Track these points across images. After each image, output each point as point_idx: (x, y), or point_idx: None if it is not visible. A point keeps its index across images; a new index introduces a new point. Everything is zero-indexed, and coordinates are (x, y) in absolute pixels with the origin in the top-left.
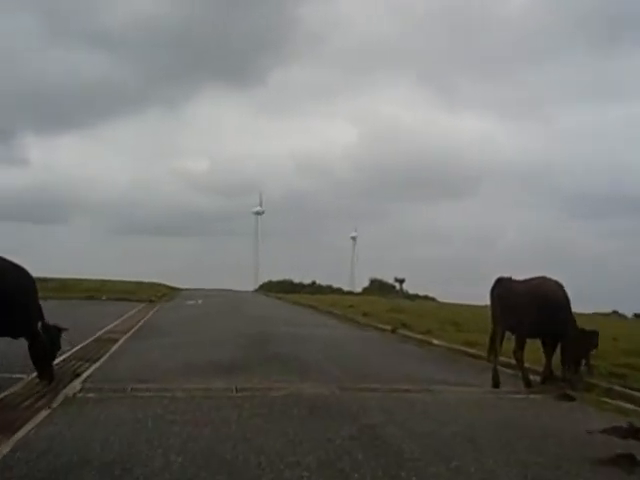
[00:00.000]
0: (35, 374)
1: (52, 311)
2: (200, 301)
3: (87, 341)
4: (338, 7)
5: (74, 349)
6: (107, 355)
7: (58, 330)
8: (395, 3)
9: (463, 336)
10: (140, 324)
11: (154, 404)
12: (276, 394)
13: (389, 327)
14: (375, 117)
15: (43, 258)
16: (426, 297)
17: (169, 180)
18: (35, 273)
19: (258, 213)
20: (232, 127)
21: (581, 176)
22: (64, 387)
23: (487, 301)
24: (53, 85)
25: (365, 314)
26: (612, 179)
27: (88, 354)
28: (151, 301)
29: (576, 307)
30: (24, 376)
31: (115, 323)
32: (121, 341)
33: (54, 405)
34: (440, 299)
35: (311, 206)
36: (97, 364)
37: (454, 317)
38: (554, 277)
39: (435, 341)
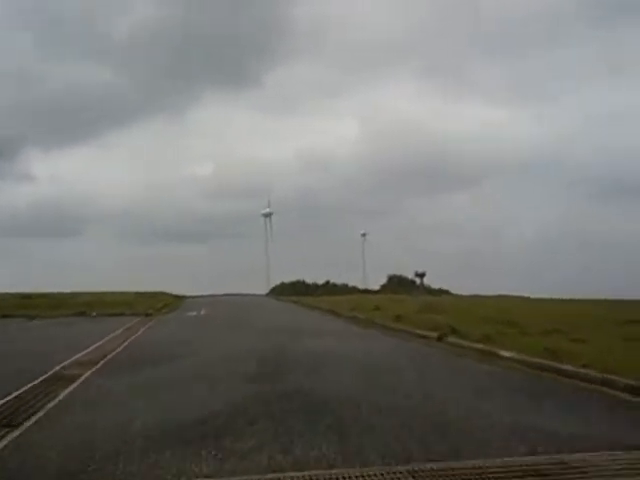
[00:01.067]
0: None
1: (18, 335)
2: (203, 311)
3: (35, 382)
4: (334, 3)
5: (3, 400)
6: (45, 410)
7: None
8: None
9: (534, 342)
10: (119, 349)
11: None
12: None
13: (433, 334)
14: (379, 112)
15: (53, 273)
16: (440, 290)
17: (177, 186)
18: (44, 288)
19: (267, 215)
20: (236, 129)
21: (594, 159)
22: None
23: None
24: (55, 98)
25: (397, 318)
26: (626, 161)
27: (18, 410)
28: (147, 315)
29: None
30: None
31: (90, 348)
32: (81, 379)
33: None
34: (454, 292)
35: (319, 205)
36: (18, 431)
37: (504, 315)
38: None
39: (504, 353)
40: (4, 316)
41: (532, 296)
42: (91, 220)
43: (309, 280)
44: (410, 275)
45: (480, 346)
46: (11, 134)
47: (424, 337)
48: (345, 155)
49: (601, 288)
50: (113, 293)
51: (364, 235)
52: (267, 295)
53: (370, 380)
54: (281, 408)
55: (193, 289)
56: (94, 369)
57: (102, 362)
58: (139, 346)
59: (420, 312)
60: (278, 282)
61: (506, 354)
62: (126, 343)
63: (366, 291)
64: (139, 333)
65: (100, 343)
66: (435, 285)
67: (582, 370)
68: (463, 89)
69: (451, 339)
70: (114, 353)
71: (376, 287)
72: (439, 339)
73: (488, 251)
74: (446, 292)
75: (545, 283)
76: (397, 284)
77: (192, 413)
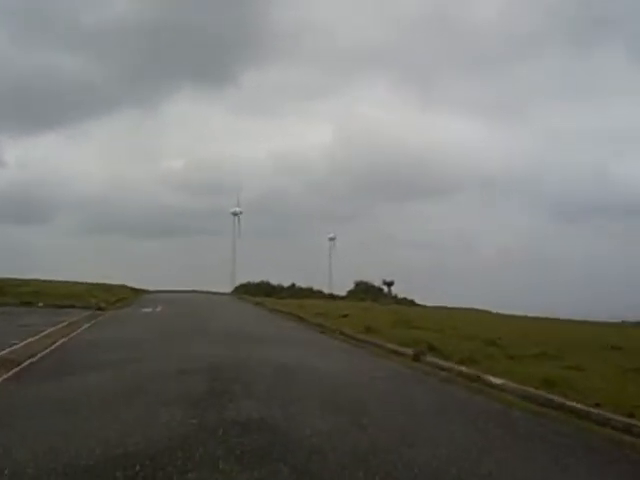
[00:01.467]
0: None
1: None
2: (159, 308)
3: None
4: (313, 8)
5: None
6: None
7: None
8: (373, 3)
9: (525, 367)
10: (51, 348)
11: None
12: None
13: (409, 350)
14: (353, 118)
15: (13, 259)
16: (405, 299)
17: (147, 180)
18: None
19: (235, 213)
20: (209, 127)
21: (564, 178)
22: None
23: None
24: (28, 86)
25: (368, 329)
26: (596, 182)
27: None
28: (99, 308)
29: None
30: None
31: (18, 346)
32: None
33: None
34: (418, 302)
35: (289, 207)
36: None
37: (481, 331)
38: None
39: (494, 380)
40: None
41: (495, 311)
42: (58, 208)
43: (274, 281)
44: (377, 282)
45: (464, 369)
46: None
47: (398, 354)
48: (317, 159)
49: (560, 307)
50: (68, 283)
51: (332, 239)
52: (231, 294)
53: (335, 409)
54: (227, 448)
55: (156, 284)
56: (9, 374)
57: (23, 365)
58: (74, 347)
59: (393, 325)
60: (244, 281)
61: (497, 381)
62: (61, 342)
63: (332, 296)
64: (80, 330)
65: (32, 340)
66: (399, 294)
67: (598, 411)
68: (439, 100)
69: (430, 358)
70: (43, 354)
71: (342, 293)
72: (416, 358)
73: (452, 263)
74: (411, 302)
75: (506, 299)
76: (364, 291)
77: (107, 451)
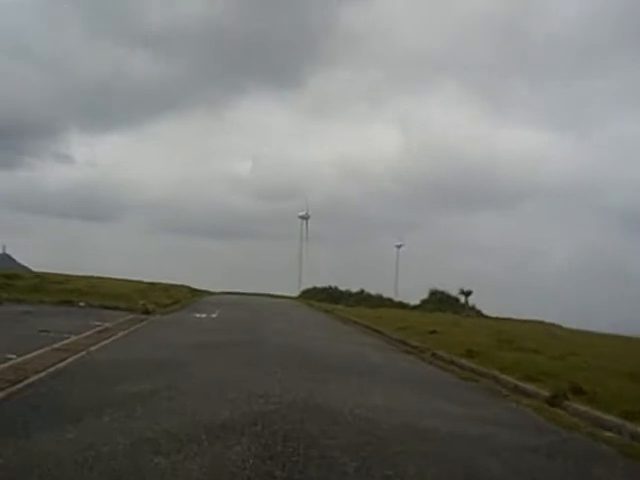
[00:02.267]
0: None
1: None
2: (215, 314)
3: None
4: (383, 9)
5: None
6: None
7: None
8: (444, 6)
9: None
10: (53, 369)
11: None
12: None
13: (540, 390)
14: (421, 125)
15: (81, 255)
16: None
17: (213, 181)
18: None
19: (304, 217)
20: (276, 130)
21: (633, 189)
22: None
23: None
24: (99, 84)
25: (469, 352)
26: None
27: None
28: (146, 312)
29: None
30: None
31: (13, 362)
32: None
33: None
34: (485, 313)
35: (355, 213)
36: None
37: (613, 361)
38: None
39: None
40: None
41: (565, 325)
42: (125, 208)
43: (342, 287)
44: (453, 292)
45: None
46: (54, 115)
47: (521, 392)
48: (382, 165)
49: (630, 324)
50: (121, 281)
51: (399, 247)
52: (297, 298)
53: None
54: None
55: (221, 285)
56: None
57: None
58: (83, 369)
59: (493, 343)
60: (310, 286)
61: None
62: (72, 359)
63: (402, 305)
64: (109, 341)
65: (37, 353)
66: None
67: None
68: (505, 109)
69: (575, 404)
70: (32, 380)
71: (409, 301)
72: (554, 402)
73: (517, 274)
74: (478, 312)
75: (570, 312)
76: (439, 300)
77: None
